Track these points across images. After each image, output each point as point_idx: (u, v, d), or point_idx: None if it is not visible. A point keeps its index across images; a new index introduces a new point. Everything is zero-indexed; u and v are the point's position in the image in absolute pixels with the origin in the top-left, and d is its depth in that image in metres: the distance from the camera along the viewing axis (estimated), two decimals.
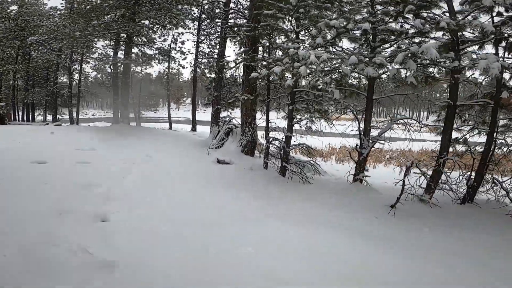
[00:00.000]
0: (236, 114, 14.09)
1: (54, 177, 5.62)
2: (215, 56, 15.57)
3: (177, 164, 7.32)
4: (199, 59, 17.13)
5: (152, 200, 4.85)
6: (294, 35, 6.67)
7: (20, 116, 23.26)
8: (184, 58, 18.68)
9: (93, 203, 4.48)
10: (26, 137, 9.17)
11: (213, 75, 14.84)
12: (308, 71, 5.26)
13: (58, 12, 19.76)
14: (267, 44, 8.13)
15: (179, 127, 24.30)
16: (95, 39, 14.36)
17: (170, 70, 18.76)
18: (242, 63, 8.30)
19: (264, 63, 6.80)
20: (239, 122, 10.74)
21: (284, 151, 7.20)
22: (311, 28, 6.85)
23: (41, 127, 13.00)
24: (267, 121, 7.76)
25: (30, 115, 22.50)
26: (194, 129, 17.43)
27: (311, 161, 7.45)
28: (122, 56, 15.67)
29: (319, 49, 5.24)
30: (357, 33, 6.18)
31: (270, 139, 7.74)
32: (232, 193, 5.61)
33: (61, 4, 19.19)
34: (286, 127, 7.19)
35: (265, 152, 7.72)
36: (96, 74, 20.76)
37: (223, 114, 13.15)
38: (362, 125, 6.78)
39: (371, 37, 6.08)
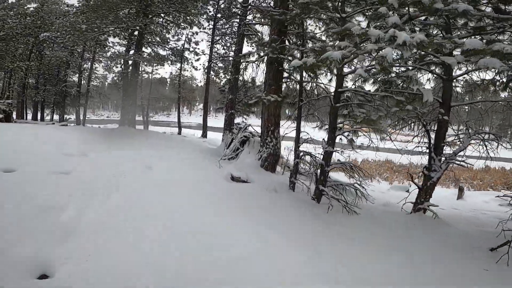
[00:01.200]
0: (251, 121, 12.48)
1: (12, 193, 4.08)
2: (231, 57, 14.07)
3: (181, 180, 5.67)
4: (213, 60, 15.68)
5: (134, 241, 3.18)
6: (339, 17, 4.96)
7: (30, 115, 22.38)
8: (198, 59, 17.34)
9: (42, 241, 2.91)
10: (10, 135, 7.73)
11: (227, 77, 13.32)
12: (394, 55, 3.55)
13: (74, 9, 18.90)
14: (298, 33, 6.45)
15: (189, 133, 22.87)
16: (104, 34, 13.09)
17: (182, 72, 17.40)
18: (265, 57, 6.66)
19: (297, 53, 5.13)
20: (256, 130, 9.09)
21: (322, 170, 5.43)
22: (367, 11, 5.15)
23: (41, 126, 11.70)
24: (298, 130, 6.04)
25: (39, 114, 21.55)
26: (204, 135, 15.91)
27: (356, 184, 5.60)
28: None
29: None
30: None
31: (301, 154, 6.00)
32: (254, 229, 3.89)
33: (78, 1, 18.31)
34: (327, 140, 5.44)
35: (294, 169, 6.00)
36: (107, 74, 19.61)
37: (237, 120, 11.54)
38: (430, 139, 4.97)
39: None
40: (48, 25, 18.61)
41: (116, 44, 16.56)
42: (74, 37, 12.04)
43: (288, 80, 6.84)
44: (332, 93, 5.34)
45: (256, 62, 8.11)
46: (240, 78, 10.95)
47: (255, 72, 7.93)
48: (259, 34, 13.07)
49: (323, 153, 5.49)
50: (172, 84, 18.16)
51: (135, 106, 12.69)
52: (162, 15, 16.08)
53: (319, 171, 5.56)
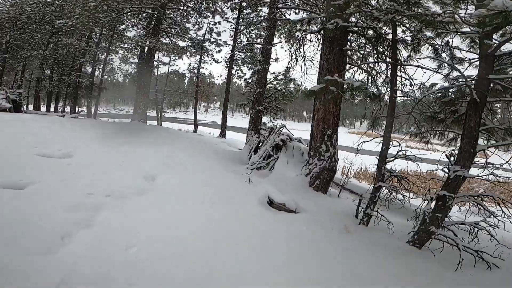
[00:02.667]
0: (278, 123, 10.40)
1: None
2: (260, 44, 11.97)
3: (194, 205, 3.68)
4: (237, 51, 13.70)
5: None
6: None
7: (45, 106, 21.30)
8: (219, 51, 15.39)
9: None
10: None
11: (254, 67, 11.28)
12: None
13: None
14: None
15: (205, 131, 21.06)
16: (117, 16, 11.39)
17: (202, 64, 15.53)
18: (322, 30, 4.53)
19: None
20: (290, 132, 7.00)
21: (441, 204, 3.22)
22: None
23: (47, 118, 10.14)
24: (387, 138, 3.78)
25: (53, 105, 20.38)
26: (223, 134, 13.96)
27: (483, 222, 3.33)
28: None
29: None
30: None
31: (386, 175, 3.82)
32: None
33: None
34: (457, 157, 3.24)
35: (372, 196, 3.84)
36: (123, 65, 18.04)
37: (263, 119, 9.49)
38: None
39: None
40: (66, 13, 17.33)
41: (132, 30, 14.92)
42: (83, 19, 10.35)
43: (352, 66, 4.68)
44: (472, 81, 3.18)
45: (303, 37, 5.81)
46: (270, 69, 8.91)
47: (294, 60, 5.86)
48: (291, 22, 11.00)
49: (450, 177, 3.21)
50: (191, 79, 16.30)
51: (147, 99, 10.90)
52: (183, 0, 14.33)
53: (431, 204, 3.36)
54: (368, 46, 4.85)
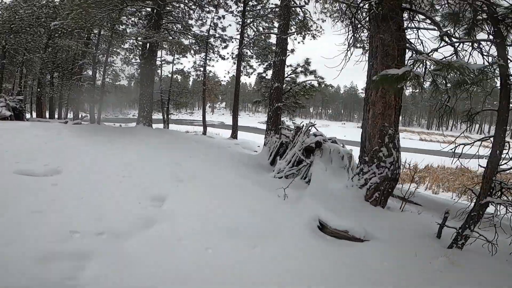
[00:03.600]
0: (297, 120, 9.24)
1: None
2: (275, 34, 10.78)
3: (224, 243, 2.60)
4: (245, 45, 12.55)
5: None
6: None
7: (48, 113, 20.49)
8: (225, 47, 14.23)
9: None
10: None
11: (269, 60, 10.10)
12: None
13: None
14: None
15: (213, 132, 20.06)
16: (113, 12, 10.32)
17: (208, 61, 14.41)
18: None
19: None
20: (320, 132, 5.86)
21: None
22: None
23: (45, 125, 9.21)
24: (502, 138, 2.63)
25: (57, 112, 19.55)
26: (234, 135, 12.86)
27: None
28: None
29: None
30: None
31: (495, 185, 2.67)
32: None
33: None
34: None
35: (475, 213, 2.70)
36: (125, 66, 17.02)
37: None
38: None
39: None
40: (61, 14, 16.40)
41: (133, 30, 13.87)
42: (75, 15, 9.31)
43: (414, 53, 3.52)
44: None
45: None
46: (288, 61, 7.71)
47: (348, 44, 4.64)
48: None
49: None
50: (196, 79, 15.18)
51: (152, 101, 9.85)
52: None
53: None
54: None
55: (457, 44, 3.69)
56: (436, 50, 3.56)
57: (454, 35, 3.82)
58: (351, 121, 59.20)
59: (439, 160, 15.00)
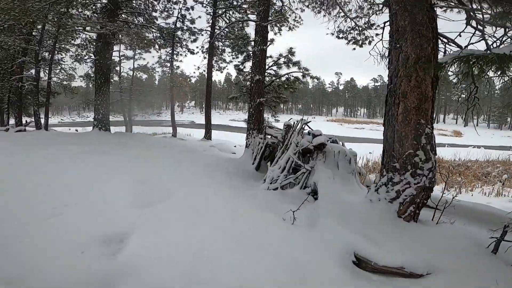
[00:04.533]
0: (282, 118, 8.37)
1: None
2: (253, 21, 9.67)
3: None
4: (217, 37, 11.34)
5: None
6: None
7: None
8: (195, 40, 12.85)
9: None
10: None
11: (236, 61, 9.02)
12: None
13: None
14: None
15: (184, 133, 18.49)
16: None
17: (175, 57, 12.91)
18: None
19: None
20: (312, 129, 5.03)
21: None
22: None
23: None
24: None
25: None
26: (208, 136, 11.63)
27: None
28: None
29: None
30: None
31: None
32: None
33: None
34: None
35: None
36: (77, 65, 14.75)
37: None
38: None
39: None
40: None
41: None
42: (5, 5, 7.44)
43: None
44: None
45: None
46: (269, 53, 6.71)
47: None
48: None
49: None
50: (162, 78, 13.49)
51: (108, 101, 8.30)
52: None
53: None
54: None
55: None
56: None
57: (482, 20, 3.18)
58: (320, 115, 60.28)
59: None
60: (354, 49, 7.45)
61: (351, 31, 7.16)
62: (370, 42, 7.24)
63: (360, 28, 7.11)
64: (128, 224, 2.62)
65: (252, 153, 6.46)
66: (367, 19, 6.83)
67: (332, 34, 7.18)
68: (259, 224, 2.71)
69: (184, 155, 6.36)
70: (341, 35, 7.28)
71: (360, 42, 7.30)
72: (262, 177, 5.39)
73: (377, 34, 7.08)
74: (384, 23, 4.35)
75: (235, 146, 11.93)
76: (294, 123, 5.06)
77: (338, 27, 6.95)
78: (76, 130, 19.78)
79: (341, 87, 63.73)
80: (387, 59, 3.08)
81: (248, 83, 8.03)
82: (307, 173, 4.10)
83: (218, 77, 68.85)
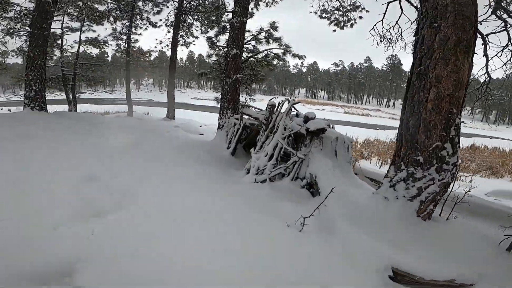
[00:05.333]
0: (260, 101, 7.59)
1: None
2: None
3: None
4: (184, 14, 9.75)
5: None
6: None
7: None
8: (158, 12, 10.98)
9: None
10: None
11: (207, 35, 7.78)
12: None
13: None
14: None
15: (141, 111, 16.50)
16: None
17: (134, 30, 10.91)
18: None
19: None
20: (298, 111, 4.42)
21: None
22: None
23: None
24: None
25: None
26: (171, 115, 10.34)
27: None
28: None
29: None
30: None
31: None
32: None
33: None
34: None
35: None
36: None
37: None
38: None
39: None
40: None
41: None
42: None
43: None
44: None
45: None
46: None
47: None
48: None
49: None
50: (117, 49, 11.31)
51: (43, 76, 6.53)
52: None
53: None
54: None
55: None
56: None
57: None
58: (282, 95, 60.32)
59: (367, 133, 15.29)
60: (335, 31, 6.86)
61: (335, 11, 6.52)
62: (352, 25, 6.74)
63: (344, 9, 6.50)
64: (72, 253, 1.72)
65: (227, 136, 5.65)
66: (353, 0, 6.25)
67: (315, 13, 6.44)
68: (259, 235, 2.02)
69: (144, 139, 5.28)
70: (324, 15, 6.62)
71: (342, 24, 6.72)
72: (241, 165, 4.66)
73: (360, 17, 6.60)
74: (388, 2, 3.81)
75: (200, 126, 10.87)
76: (279, 103, 4.34)
77: (323, 5, 6.24)
78: (9, 110, 16.54)
79: (304, 70, 64.21)
80: (415, 39, 2.54)
81: (222, 59, 6.91)
82: (299, 162, 3.49)
83: (180, 54, 63.96)
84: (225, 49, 6.74)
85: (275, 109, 4.29)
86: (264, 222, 2.22)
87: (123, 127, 6.53)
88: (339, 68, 58.04)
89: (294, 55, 6.35)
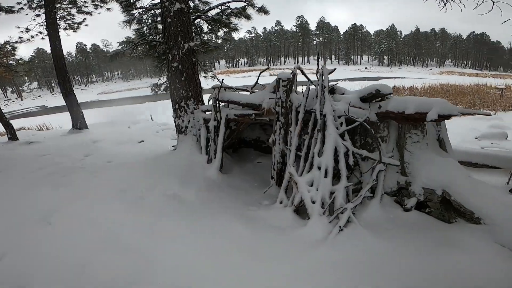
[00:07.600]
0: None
1: None
2: None
3: None
4: None
5: None
6: None
7: None
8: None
9: None
10: None
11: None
12: None
13: None
14: None
15: (34, 125, 11.61)
16: None
17: None
18: None
19: None
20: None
21: None
22: None
23: None
24: None
25: None
26: (79, 124, 7.05)
27: None
28: None
29: None
30: None
31: None
32: None
33: None
34: None
35: None
36: None
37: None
38: None
39: None
40: None
41: None
42: None
43: None
44: None
45: None
46: None
47: None
48: None
49: None
50: None
51: None
52: None
53: None
54: None
55: None
56: None
57: None
58: (202, 70, 56.22)
59: None
60: None
61: None
62: None
63: None
64: None
65: (197, 141, 3.56)
66: None
67: None
68: None
69: (50, 189, 2.76)
70: None
71: None
72: (250, 186, 2.80)
73: None
74: None
75: (129, 128, 7.92)
76: (293, 74, 2.53)
77: None
78: None
79: (219, 41, 60.48)
80: None
81: (152, 26, 4.20)
82: (384, 170, 1.92)
83: (67, 48, 50.14)
84: (153, 11, 4.21)
85: (293, 86, 2.48)
86: None
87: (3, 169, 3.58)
88: (253, 34, 56.76)
89: (260, 10, 4.20)
